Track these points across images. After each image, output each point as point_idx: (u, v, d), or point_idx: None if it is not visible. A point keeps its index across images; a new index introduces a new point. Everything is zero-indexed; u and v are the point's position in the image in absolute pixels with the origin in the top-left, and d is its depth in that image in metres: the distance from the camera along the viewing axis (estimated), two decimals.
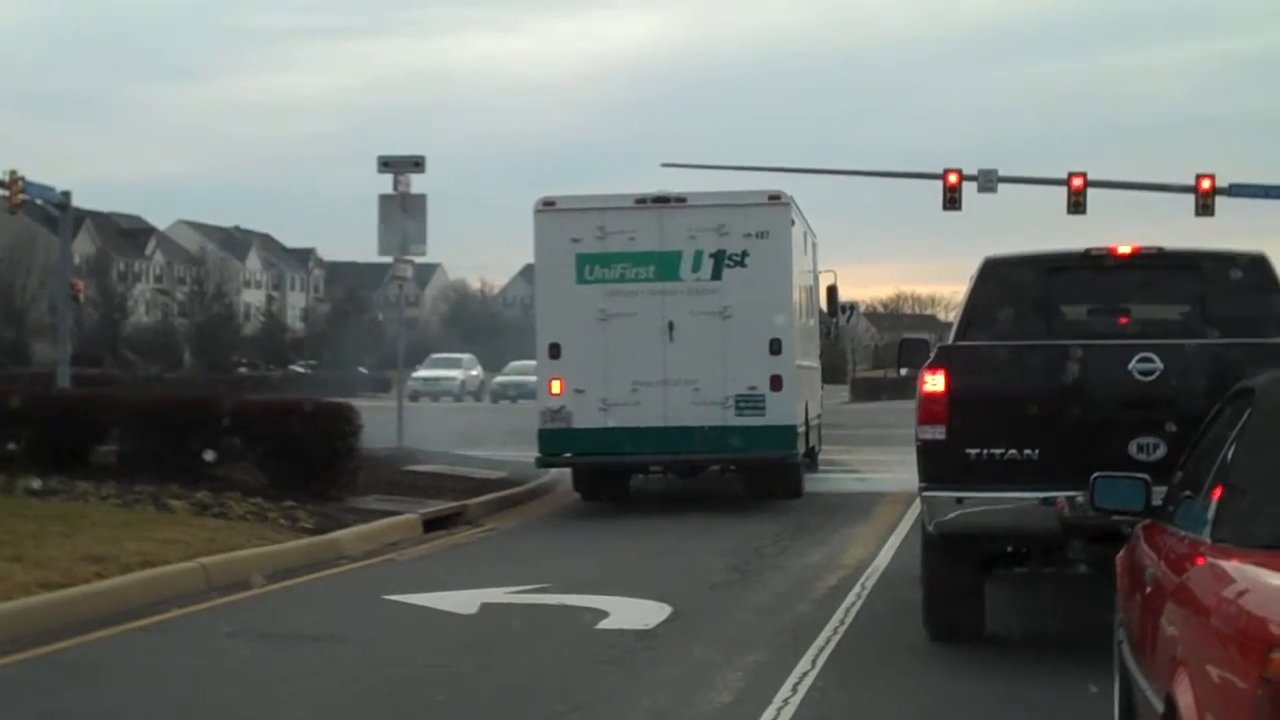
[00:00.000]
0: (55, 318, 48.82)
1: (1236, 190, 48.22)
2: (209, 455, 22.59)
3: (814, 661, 12.65)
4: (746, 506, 24.93)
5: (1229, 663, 6.01)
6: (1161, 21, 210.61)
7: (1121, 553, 9.51)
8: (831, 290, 33.68)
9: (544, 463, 25.63)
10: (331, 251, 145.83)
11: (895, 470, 27.62)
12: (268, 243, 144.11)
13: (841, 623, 14.49)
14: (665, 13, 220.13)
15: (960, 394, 12.57)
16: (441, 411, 57.77)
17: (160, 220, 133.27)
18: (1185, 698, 6.44)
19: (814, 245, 30.35)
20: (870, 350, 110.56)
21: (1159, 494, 8.80)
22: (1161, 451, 11.99)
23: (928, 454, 12.73)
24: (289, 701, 11.65)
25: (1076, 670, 11.68)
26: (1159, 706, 7.07)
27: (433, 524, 22.28)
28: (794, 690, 11.58)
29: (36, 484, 21.49)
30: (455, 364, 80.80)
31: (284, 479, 22.44)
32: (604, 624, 14.49)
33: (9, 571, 14.98)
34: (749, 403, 24.38)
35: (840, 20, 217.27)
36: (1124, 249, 13.67)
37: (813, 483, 27.48)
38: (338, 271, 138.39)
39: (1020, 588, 14.99)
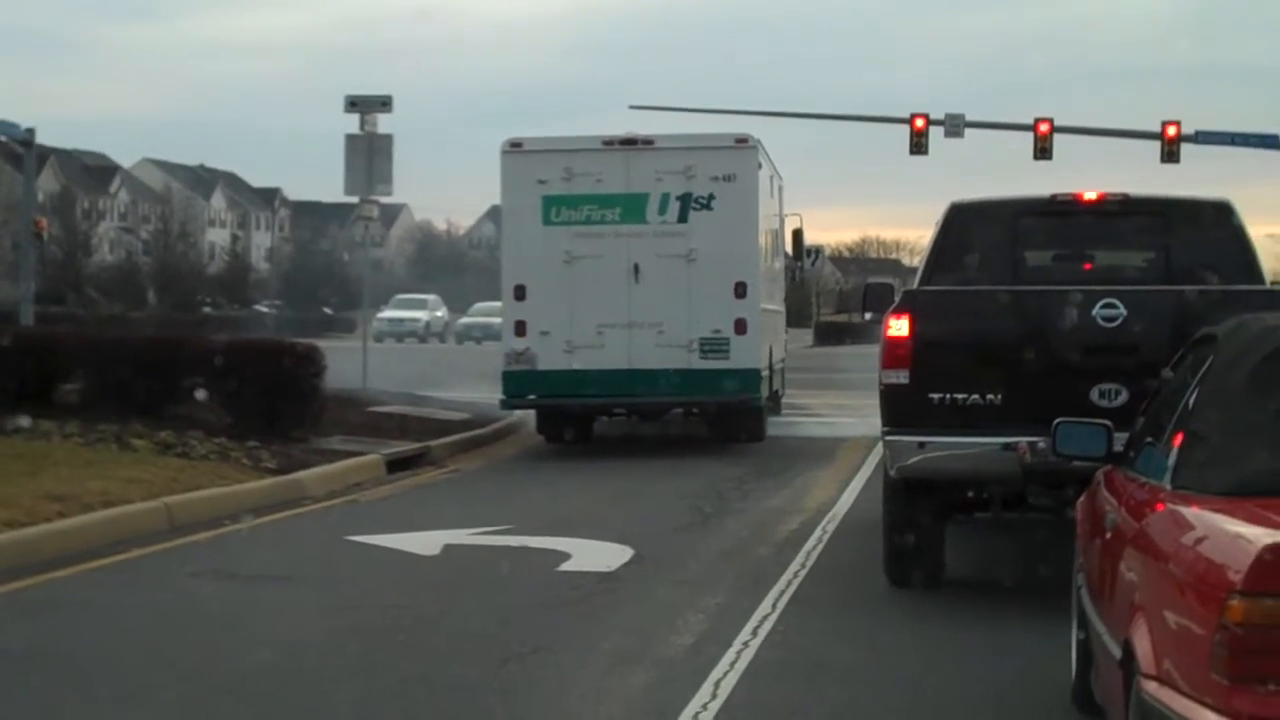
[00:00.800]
0: (18, 255, 48.58)
1: (1203, 137, 48.32)
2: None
3: (774, 605, 12.69)
4: (709, 449, 24.95)
5: (1187, 609, 6.04)
6: None
7: (1082, 498, 9.55)
8: (797, 234, 33.64)
9: (508, 404, 25.61)
10: (297, 191, 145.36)
11: (858, 415, 27.65)
12: (233, 181, 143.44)
13: (802, 566, 14.53)
14: None
15: (924, 339, 12.57)
16: (406, 352, 57.65)
17: (125, 158, 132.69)
18: (1143, 643, 6.47)
19: (780, 189, 30.31)
20: (835, 294, 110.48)
21: (1121, 440, 8.84)
22: (1124, 398, 12.02)
23: (891, 398, 12.74)
24: (251, 641, 11.64)
25: (1036, 616, 11.76)
26: (1116, 651, 7.11)
27: (396, 465, 22.26)
28: (754, 633, 11.62)
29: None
30: (420, 305, 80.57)
31: (248, 419, 22.39)
32: (566, 566, 14.51)
33: None
34: (713, 346, 24.38)
35: None
36: (1089, 195, 13.69)
37: (776, 426, 27.49)
38: (303, 211, 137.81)
39: (981, 533, 15.04)
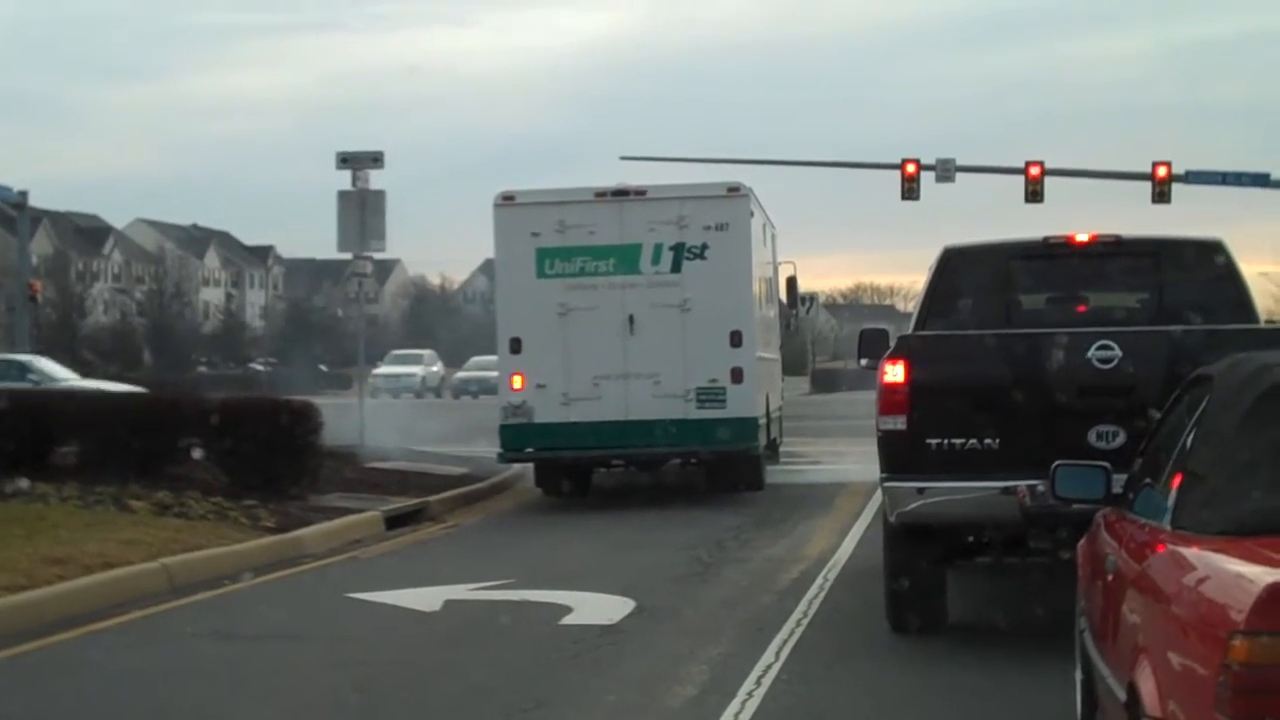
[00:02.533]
0: (13, 318, 48.60)
1: (1193, 177, 48.40)
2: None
3: (778, 654, 12.66)
4: (708, 499, 24.93)
5: (1190, 650, 6.04)
6: (1116, 9, 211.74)
7: (1082, 541, 9.54)
8: (791, 281, 33.69)
9: (506, 458, 25.59)
10: (290, 248, 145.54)
11: (856, 461, 27.66)
12: (226, 240, 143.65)
13: (804, 615, 14.50)
14: (620, 6, 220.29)
15: (920, 384, 12.58)
16: (403, 408, 57.63)
17: (118, 219, 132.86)
18: (1147, 685, 6.46)
19: (773, 236, 30.37)
20: (830, 341, 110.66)
21: (1119, 482, 8.83)
22: (1121, 439, 12.02)
23: (889, 444, 12.74)
24: (252, 701, 11.62)
25: (1039, 660, 11.74)
26: (1121, 694, 7.10)
27: (395, 521, 22.25)
28: (758, 683, 11.60)
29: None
30: (416, 360, 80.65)
31: (245, 477, 22.36)
32: (568, 619, 14.48)
33: None
34: (710, 395, 24.39)
35: (793, 12, 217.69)
36: (1082, 237, 13.73)
37: (774, 475, 27.49)
38: (297, 268, 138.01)
39: (982, 577, 15.02)
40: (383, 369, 76.14)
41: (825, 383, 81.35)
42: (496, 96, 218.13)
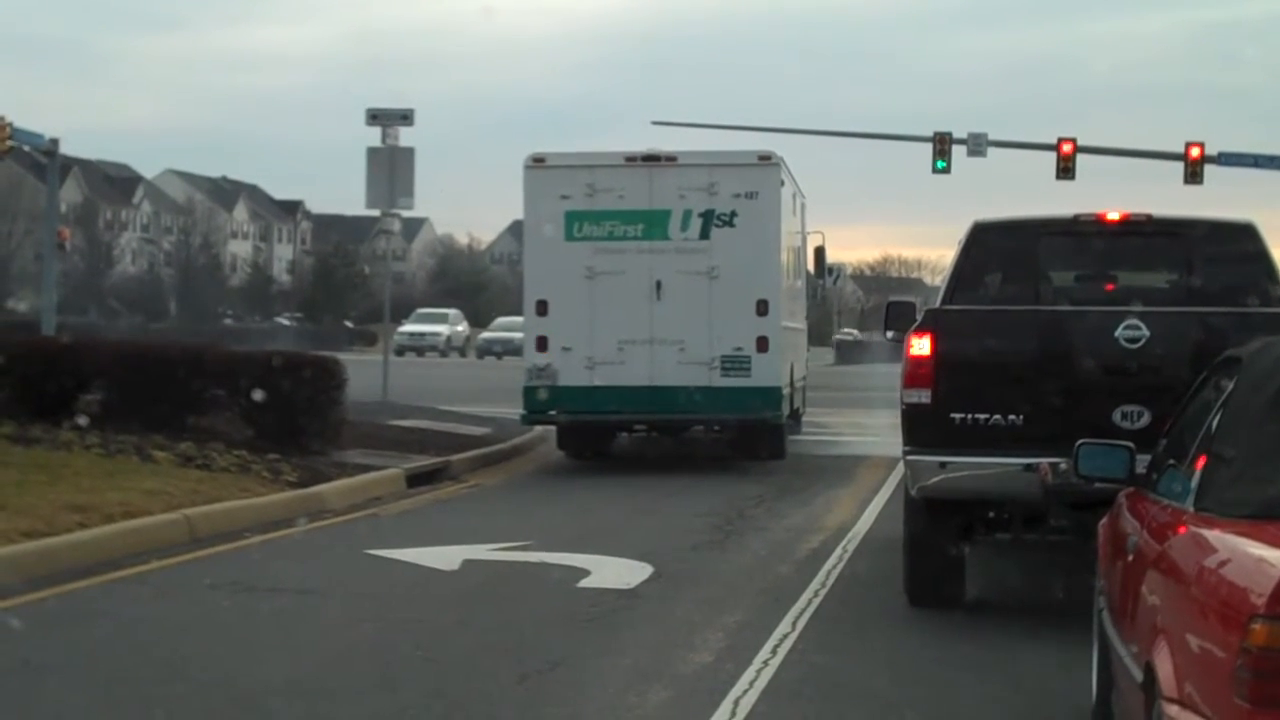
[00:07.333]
0: (41, 265, 48.68)
1: (1226, 159, 48.22)
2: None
3: (794, 624, 12.67)
4: (730, 467, 24.93)
5: (1209, 632, 6.02)
6: None
7: (1104, 520, 9.53)
8: (819, 252, 33.61)
9: (529, 420, 25.63)
10: (319, 204, 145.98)
11: (878, 433, 27.65)
12: (256, 194, 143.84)
13: (822, 585, 14.50)
14: None
15: (946, 358, 12.55)
16: (427, 367, 57.76)
17: (148, 169, 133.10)
18: (1165, 666, 6.45)
19: (803, 206, 30.28)
20: (856, 312, 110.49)
21: (1143, 462, 8.81)
22: (1146, 419, 12.00)
23: (912, 418, 12.72)
24: (269, 654, 11.65)
25: (1056, 637, 11.74)
26: (1138, 675, 7.08)
27: (416, 479, 22.26)
28: (774, 652, 11.60)
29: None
30: (441, 319, 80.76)
31: (268, 431, 22.39)
32: (585, 582, 14.49)
33: None
34: (735, 363, 24.36)
35: None
36: (1113, 215, 13.66)
37: (796, 444, 27.47)
38: (325, 224, 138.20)
39: (1001, 553, 15.00)
40: (408, 327, 76.33)
41: (850, 354, 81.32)
42: (528, 57, 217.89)
